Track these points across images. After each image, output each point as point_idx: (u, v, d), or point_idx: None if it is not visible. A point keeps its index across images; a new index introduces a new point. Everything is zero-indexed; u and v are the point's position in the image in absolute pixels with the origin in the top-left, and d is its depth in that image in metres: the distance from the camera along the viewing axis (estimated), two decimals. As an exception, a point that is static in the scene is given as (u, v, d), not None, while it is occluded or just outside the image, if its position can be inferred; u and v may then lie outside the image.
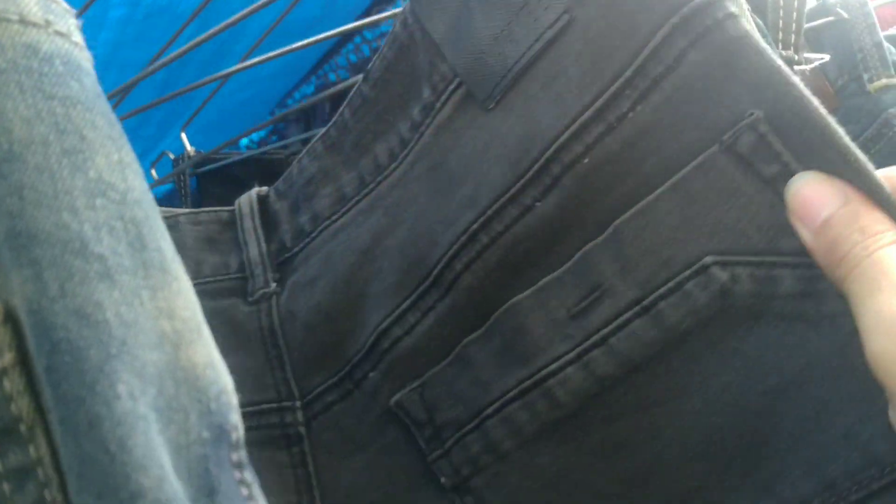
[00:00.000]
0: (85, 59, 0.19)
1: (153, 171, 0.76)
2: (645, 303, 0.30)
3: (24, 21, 0.17)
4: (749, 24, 0.28)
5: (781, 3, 0.36)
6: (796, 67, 0.38)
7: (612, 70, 0.30)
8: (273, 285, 0.41)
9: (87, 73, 0.18)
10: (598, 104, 0.31)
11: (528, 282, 0.34)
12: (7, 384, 0.14)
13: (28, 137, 0.15)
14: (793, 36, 0.37)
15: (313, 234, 0.41)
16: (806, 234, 0.26)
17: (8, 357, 0.14)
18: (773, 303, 0.29)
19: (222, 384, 0.17)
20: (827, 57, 0.41)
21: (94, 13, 0.52)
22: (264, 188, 0.44)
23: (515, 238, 0.34)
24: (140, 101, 0.66)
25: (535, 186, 0.33)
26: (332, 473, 0.39)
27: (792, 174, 0.27)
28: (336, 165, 0.40)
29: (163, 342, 0.16)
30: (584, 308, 0.32)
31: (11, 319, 0.14)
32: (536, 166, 0.33)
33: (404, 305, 0.37)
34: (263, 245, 0.42)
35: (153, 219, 0.17)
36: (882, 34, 0.58)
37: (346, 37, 1.31)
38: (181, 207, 0.69)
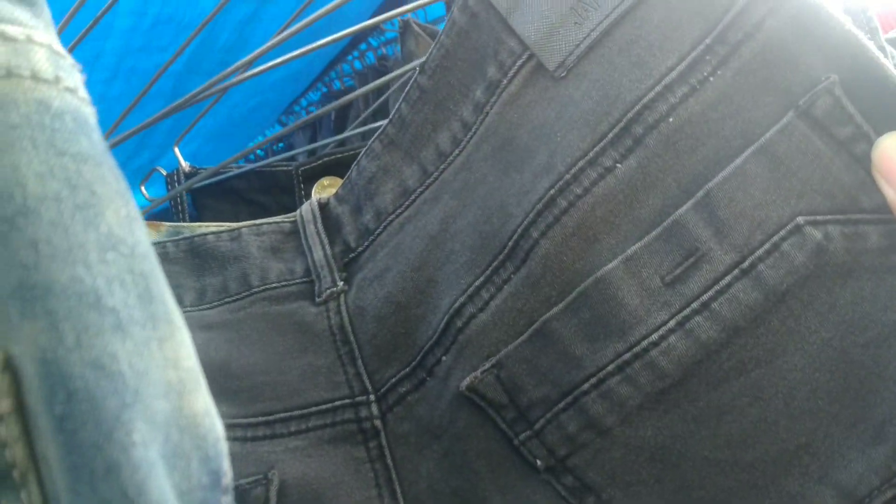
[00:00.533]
0: (91, 114, 0.19)
1: (143, 189, 0.75)
2: (744, 265, 0.31)
3: (35, 77, 0.18)
4: None
5: None
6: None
7: (693, 36, 0.32)
8: (340, 284, 0.41)
9: (94, 128, 0.19)
10: (680, 67, 0.32)
11: (606, 249, 0.34)
12: (3, 430, 0.15)
13: (42, 192, 0.16)
14: None
15: (378, 231, 0.41)
16: (890, 192, 0.28)
17: (5, 404, 0.15)
18: (863, 258, 0.30)
19: (218, 431, 0.18)
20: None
21: (101, 22, 0.53)
22: (324, 196, 0.44)
23: (595, 200, 0.34)
24: (148, 111, 0.66)
25: (616, 148, 0.33)
26: (410, 465, 0.39)
27: (864, 136, 0.29)
28: (396, 161, 0.41)
29: (169, 391, 0.16)
30: (680, 274, 0.32)
31: (11, 368, 0.15)
32: (618, 128, 0.33)
33: (478, 282, 0.37)
34: (328, 247, 0.42)
35: (158, 271, 0.18)
36: (884, 38, 0.58)
37: (351, 44, 1.31)
38: (179, 221, 0.69)
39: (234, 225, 0.53)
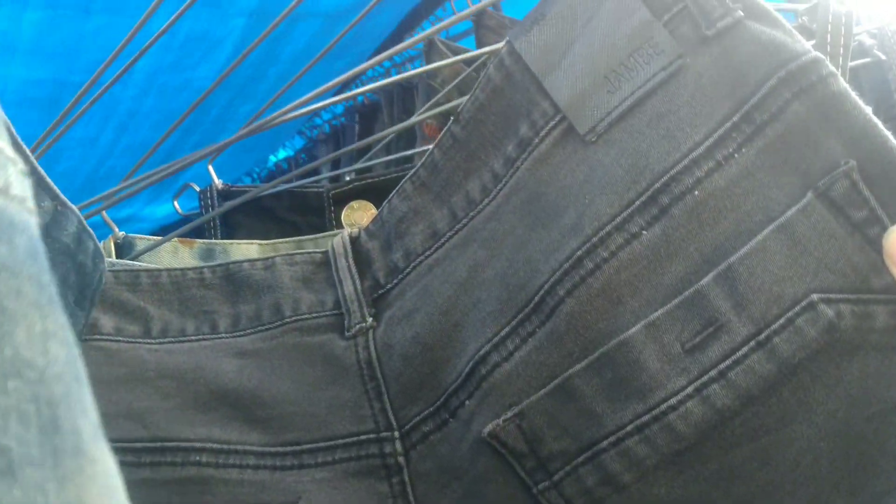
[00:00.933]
0: (21, 212, 0.17)
1: (175, 204, 0.75)
2: (760, 338, 0.32)
3: None
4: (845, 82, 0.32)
5: (829, 49, 0.38)
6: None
7: (721, 113, 0.34)
8: (370, 320, 0.42)
9: (21, 230, 0.16)
10: (708, 142, 0.34)
11: (629, 312, 0.35)
12: None
13: None
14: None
15: (407, 271, 0.42)
16: None
17: None
18: (871, 336, 0.32)
19: None
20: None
21: (133, 39, 0.53)
22: (355, 230, 0.45)
23: (620, 264, 0.35)
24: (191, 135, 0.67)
25: (643, 215, 0.35)
26: (432, 503, 0.39)
27: (877, 219, 0.31)
28: (427, 203, 0.42)
29: None
30: (700, 343, 0.33)
31: None
32: (645, 196, 0.35)
33: (503, 332, 0.38)
34: (358, 282, 0.43)
35: (74, 393, 0.16)
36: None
37: (371, 58, 1.32)
38: (211, 238, 0.70)
39: (266, 242, 0.53)
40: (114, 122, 0.97)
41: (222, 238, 0.70)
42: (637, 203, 0.35)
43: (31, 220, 0.17)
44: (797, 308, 0.32)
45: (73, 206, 0.33)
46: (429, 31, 0.65)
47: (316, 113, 1.44)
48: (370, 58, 1.30)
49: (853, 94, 0.31)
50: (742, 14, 0.34)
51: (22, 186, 0.17)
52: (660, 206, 0.35)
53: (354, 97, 1.28)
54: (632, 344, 0.34)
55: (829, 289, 0.32)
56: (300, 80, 0.65)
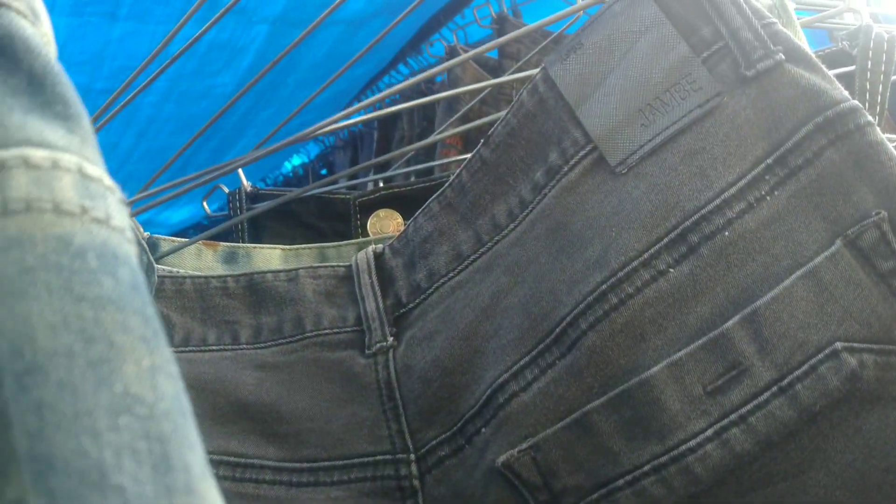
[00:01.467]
0: (122, 243, 0.17)
1: (205, 205, 0.76)
2: (783, 384, 0.32)
3: (58, 210, 0.16)
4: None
5: (868, 85, 0.38)
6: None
7: (756, 155, 0.34)
8: (391, 339, 0.42)
9: (123, 261, 0.17)
10: (741, 184, 0.34)
11: (651, 349, 0.35)
12: None
13: (52, 347, 0.14)
14: (877, 117, 0.38)
15: (430, 291, 0.42)
16: None
17: None
18: (892, 387, 0.31)
19: None
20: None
21: (156, 46, 0.54)
22: (379, 246, 0.45)
23: (645, 301, 0.35)
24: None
25: (671, 253, 0.35)
26: None
27: None
28: (452, 225, 0.42)
29: None
30: (722, 385, 0.33)
31: None
32: (674, 234, 0.35)
33: (523, 361, 0.38)
34: (380, 300, 0.43)
35: (182, 429, 0.16)
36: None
37: (390, 65, 1.32)
38: (238, 240, 0.70)
39: (289, 248, 0.52)
40: (134, 129, 0.98)
41: (249, 240, 0.70)
42: (666, 240, 0.35)
43: (131, 251, 0.17)
44: (821, 356, 0.32)
45: (134, 220, 0.32)
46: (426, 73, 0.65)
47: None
48: (390, 64, 1.30)
49: (889, 146, 0.31)
50: (783, 57, 0.33)
51: (121, 216, 0.17)
52: (689, 244, 0.34)
53: (381, 105, 1.28)
54: (653, 383, 0.34)
55: (853, 338, 0.32)
56: (316, 87, 0.65)
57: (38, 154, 0.16)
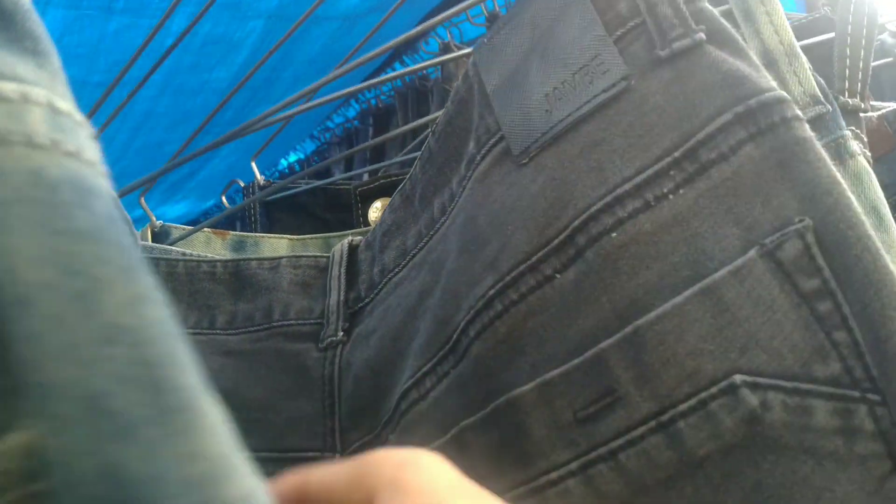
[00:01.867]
0: (96, 176, 0.17)
1: (224, 199, 0.79)
2: (662, 419, 0.27)
3: (29, 143, 0.16)
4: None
5: (848, 52, 0.35)
6: (863, 115, 0.38)
7: (661, 147, 0.29)
8: (340, 334, 0.41)
9: (98, 195, 0.17)
10: (638, 179, 0.29)
11: (528, 365, 0.31)
12: None
13: (35, 280, 0.14)
14: (859, 84, 0.37)
15: (380, 287, 0.41)
16: None
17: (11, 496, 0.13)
18: (804, 436, 0.26)
19: None
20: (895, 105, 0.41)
21: (151, 41, 0.54)
22: (358, 238, 0.45)
23: (528, 309, 0.32)
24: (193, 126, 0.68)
25: (559, 256, 0.31)
26: None
27: (829, 294, 0.26)
28: (407, 218, 0.41)
29: (190, 490, 0.15)
30: (593, 413, 0.29)
31: (31, 456, 0.14)
32: (563, 235, 0.31)
33: (425, 368, 0.36)
34: (342, 294, 0.42)
35: (172, 353, 0.16)
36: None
37: (386, 61, 1.33)
38: (252, 230, 0.72)
39: (297, 238, 0.52)
40: (129, 123, 0.98)
41: (262, 231, 0.73)
42: (555, 242, 0.31)
43: (104, 184, 0.17)
44: (713, 389, 0.27)
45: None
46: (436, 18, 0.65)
47: (328, 117, 1.44)
48: (386, 62, 1.30)
49: (818, 145, 0.27)
50: (703, 37, 0.29)
51: (93, 150, 0.17)
52: (576, 247, 0.30)
53: (361, 96, 1.29)
54: (519, 405, 0.31)
55: (759, 371, 0.26)
56: (311, 83, 0.66)
57: (8, 87, 0.16)
